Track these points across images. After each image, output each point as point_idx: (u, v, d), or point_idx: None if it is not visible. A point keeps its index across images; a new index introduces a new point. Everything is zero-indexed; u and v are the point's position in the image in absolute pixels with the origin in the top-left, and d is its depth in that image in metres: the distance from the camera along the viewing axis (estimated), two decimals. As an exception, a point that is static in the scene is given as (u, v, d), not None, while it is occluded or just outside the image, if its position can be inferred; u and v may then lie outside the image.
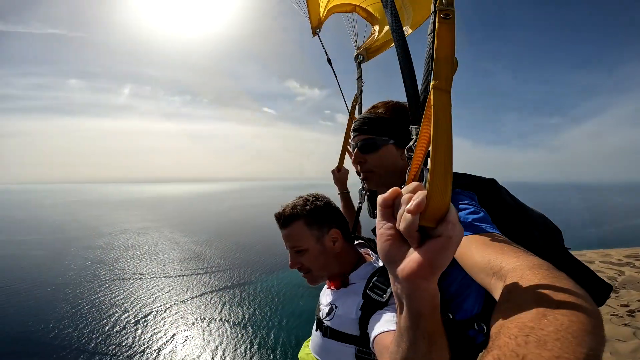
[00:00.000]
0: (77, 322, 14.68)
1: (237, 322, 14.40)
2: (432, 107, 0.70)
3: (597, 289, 1.37)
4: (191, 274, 20.89)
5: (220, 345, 12.73)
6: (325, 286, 1.66)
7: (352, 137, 1.57)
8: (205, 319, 14.84)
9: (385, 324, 1.17)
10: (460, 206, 1.16)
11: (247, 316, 14.87)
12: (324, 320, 1.49)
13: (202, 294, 17.39)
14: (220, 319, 14.78)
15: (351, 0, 2.21)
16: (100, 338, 13.18)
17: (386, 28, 2.19)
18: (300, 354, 1.64)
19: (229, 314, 15.15)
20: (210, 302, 16.42)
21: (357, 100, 2.16)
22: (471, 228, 1.04)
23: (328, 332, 1.43)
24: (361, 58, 2.17)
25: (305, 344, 1.68)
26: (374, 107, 1.55)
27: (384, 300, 1.24)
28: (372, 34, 2.28)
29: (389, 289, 1.23)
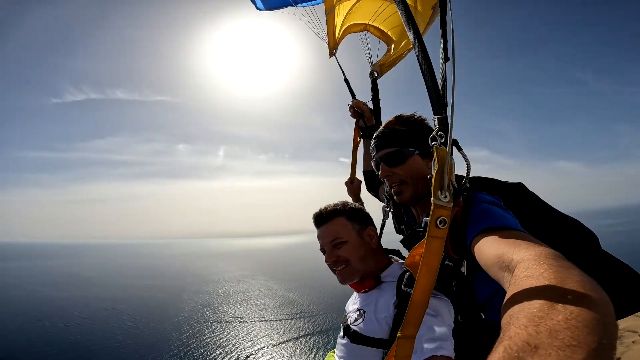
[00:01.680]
0: (189, 360, 16.00)
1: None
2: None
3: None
4: (285, 319, 21.42)
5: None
6: (353, 294, 1.68)
7: (373, 154, 1.57)
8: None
9: (433, 345, 1.16)
10: (482, 199, 1.20)
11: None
12: (351, 326, 1.47)
13: (297, 338, 17.49)
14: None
15: (362, 20, 2.38)
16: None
17: (401, 42, 2.33)
18: None
19: (322, 358, 14.82)
20: (304, 346, 16.31)
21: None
22: (489, 220, 1.06)
23: (356, 338, 1.41)
24: (375, 74, 2.27)
25: (330, 354, 1.67)
26: (389, 123, 1.56)
27: None
28: (387, 51, 2.42)
29: None
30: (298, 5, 2.53)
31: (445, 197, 0.99)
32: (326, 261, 1.57)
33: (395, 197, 1.54)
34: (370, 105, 2.29)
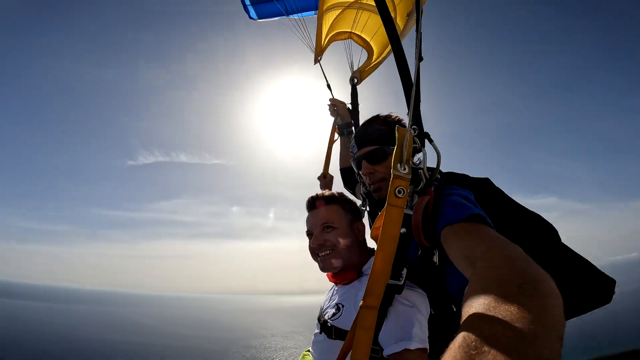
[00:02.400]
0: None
1: None
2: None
3: (600, 284, 1.31)
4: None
5: None
6: (329, 291, 1.68)
7: (354, 152, 1.61)
8: None
9: (406, 337, 1.15)
10: (455, 192, 1.25)
11: None
12: (329, 321, 1.45)
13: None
14: None
15: (347, 29, 2.54)
16: None
17: (382, 50, 2.45)
18: None
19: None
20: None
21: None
22: (458, 212, 1.09)
23: (333, 333, 1.40)
24: (355, 80, 2.43)
25: (304, 353, 1.63)
26: (370, 121, 1.61)
27: (401, 283, 1.18)
28: (368, 59, 2.56)
29: (403, 272, 1.18)
30: (290, 15, 2.69)
31: (404, 169, 1.09)
32: (312, 245, 1.56)
33: (374, 194, 1.58)
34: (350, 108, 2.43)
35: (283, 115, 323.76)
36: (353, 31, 2.54)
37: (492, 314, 0.52)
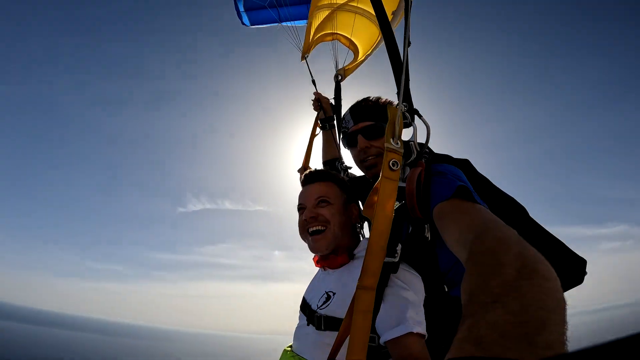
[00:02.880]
0: None
1: None
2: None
3: (571, 263, 1.30)
4: None
5: None
6: (317, 276, 1.58)
7: (349, 126, 1.62)
8: None
9: (405, 322, 1.09)
10: (447, 169, 1.26)
11: None
12: (318, 311, 1.32)
13: None
14: None
15: (334, 30, 2.62)
16: None
17: (366, 50, 2.53)
18: None
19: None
20: None
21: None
22: (451, 188, 1.07)
23: (323, 323, 1.27)
24: (339, 77, 2.51)
25: (285, 351, 1.46)
26: (365, 100, 1.62)
27: (397, 260, 1.13)
28: (353, 59, 2.64)
29: (398, 248, 1.14)
30: (283, 23, 2.77)
31: (397, 143, 1.12)
32: (304, 218, 1.46)
33: (368, 171, 1.59)
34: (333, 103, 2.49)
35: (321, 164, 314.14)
36: (340, 32, 2.64)
37: (494, 301, 0.50)
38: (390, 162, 1.08)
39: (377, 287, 1.05)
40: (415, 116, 1.33)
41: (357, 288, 1.01)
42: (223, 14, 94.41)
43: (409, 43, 1.35)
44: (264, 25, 3.07)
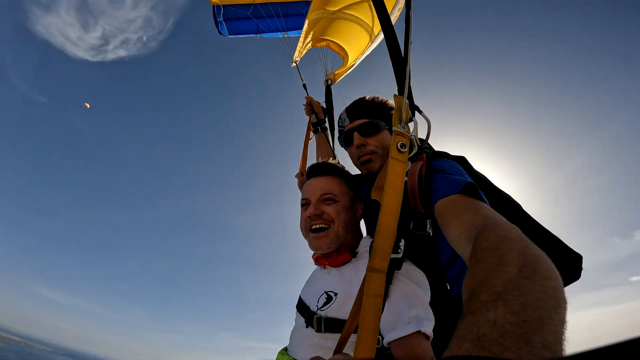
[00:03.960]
0: None
1: None
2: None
3: (568, 259, 1.30)
4: None
5: None
6: (315, 275, 1.49)
7: (345, 124, 1.63)
8: None
9: (409, 322, 1.03)
10: (449, 164, 1.29)
11: None
12: (318, 312, 1.25)
13: None
14: None
15: (325, 36, 2.65)
16: None
17: (355, 56, 2.61)
18: None
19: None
20: None
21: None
22: (455, 185, 1.08)
23: (324, 325, 1.20)
24: (329, 82, 2.55)
25: (280, 352, 1.39)
26: (361, 99, 1.65)
27: (400, 256, 1.09)
28: (343, 65, 2.70)
29: (401, 244, 1.10)
30: (260, 34, 2.83)
31: (404, 127, 1.13)
32: (308, 214, 1.38)
33: (363, 167, 1.59)
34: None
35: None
36: (331, 39, 2.65)
37: (496, 300, 0.51)
38: (398, 144, 1.08)
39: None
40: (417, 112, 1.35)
41: (367, 270, 0.96)
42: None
43: (411, 42, 1.37)
44: (242, 36, 3.11)
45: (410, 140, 1.21)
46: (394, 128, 1.13)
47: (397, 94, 1.26)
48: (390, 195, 1.01)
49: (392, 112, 1.19)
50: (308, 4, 2.82)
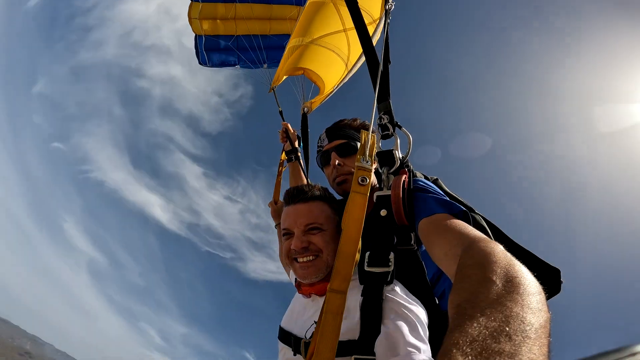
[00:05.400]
0: None
1: None
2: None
3: (547, 273, 1.30)
4: None
5: None
6: (298, 302, 1.39)
7: (324, 144, 1.69)
8: None
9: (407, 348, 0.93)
10: (429, 186, 1.34)
11: None
12: (308, 340, 1.18)
13: None
14: None
15: (303, 65, 2.65)
16: None
17: (332, 85, 2.60)
18: None
19: None
20: None
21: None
22: (445, 206, 1.14)
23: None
24: (306, 110, 2.55)
25: None
26: (340, 121, 1.73)
27: (391, 269, 1.10)
28: (320, 93, 2.69)
29: (391, 257, 1.12)
30: (240, 65, 2.87)
31: (367, 162, 1.20)
32: (292, 247, 1.30)
33: (338, 187, 1.63)
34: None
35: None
36: (308, 67, 2.65)
37: (479, 315, 0.52)
38: (360, 178, 1.15)
39: (373, 301, 1.04)
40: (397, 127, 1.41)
41: (327, 291, 1.04)
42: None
43: (390, 61, 1.51)
44: (221, 68, 3.17)
45: (392, 154, 1.33)
46: (356, 163, 1.19)
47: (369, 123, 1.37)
48: (350, 226, 1.10)
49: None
50: (288, 36, 2.89)
